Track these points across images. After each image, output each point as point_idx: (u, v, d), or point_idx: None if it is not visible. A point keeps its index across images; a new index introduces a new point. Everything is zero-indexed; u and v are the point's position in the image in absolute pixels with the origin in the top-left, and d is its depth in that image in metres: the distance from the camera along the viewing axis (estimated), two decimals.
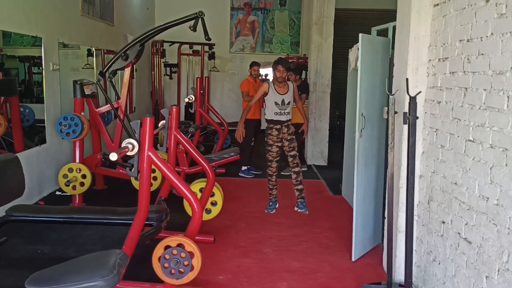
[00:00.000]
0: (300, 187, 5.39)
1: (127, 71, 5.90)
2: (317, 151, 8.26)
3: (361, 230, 4.08)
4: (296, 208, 5.47)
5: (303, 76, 9.08)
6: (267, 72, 10.43)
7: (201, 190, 4.53)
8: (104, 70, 5.75)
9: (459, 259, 2.77)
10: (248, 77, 7.50)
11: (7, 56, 6.24)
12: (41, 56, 5.93)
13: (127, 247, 3.10)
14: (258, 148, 7.66)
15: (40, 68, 7.26)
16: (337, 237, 4.60)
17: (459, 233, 2.79)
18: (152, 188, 4.64)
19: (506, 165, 2.29)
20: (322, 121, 8.18)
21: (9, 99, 5.36)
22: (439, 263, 3.07)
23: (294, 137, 5.39)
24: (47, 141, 5.82)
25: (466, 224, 2.71)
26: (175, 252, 3.07)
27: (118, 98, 6.03)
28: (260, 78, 8.34)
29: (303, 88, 7.46)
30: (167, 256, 3.08)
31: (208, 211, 4.64)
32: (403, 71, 3.42)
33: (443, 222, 3.03)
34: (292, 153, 5.29)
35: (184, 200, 4.64)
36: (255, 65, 7.53)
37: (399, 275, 3.43)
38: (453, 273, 2.85)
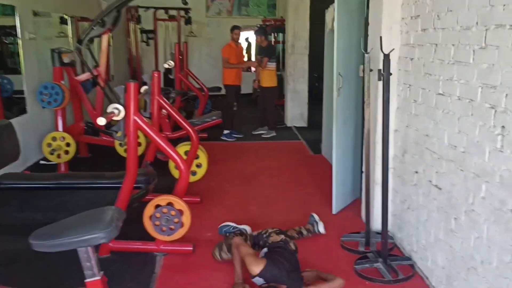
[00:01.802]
0: None
1: (105, 38, 5.86)
2: (296, 113, 8.41)
3: (341, 185, 4.28)
4: None
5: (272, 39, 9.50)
6: (247, 36, 10.50)
7: (186, 153, 4.65)
8: (82, 38, 5.71)
9: (431, 205, 2.99)
10: (230, 41, 7.51)
11: None
12: (13, 26, 5.83)
13: (119, 206, 3.22)
14: (239, 112, 7.78)
15: (12, 38, 7.13)
16: (318, 193, 4.81)
17: (430, 181, 3.00)
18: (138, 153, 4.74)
19: (472, 114, 2.47)
20: (301, 83, 8.31)
21: None
22: (413, 210, 3.30)
23: None
24: (28, 111, 5.82)
25: (436, 172, 2.91)
26: (165, 210, 3.23)
27: (97, 65, 6.01)
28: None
29: (266, 51, 7.60)
30: (157, 215, 3.23)
31: (194, 173, 4.78)
32: (377, 29, 3.54)
33: (416, 172, 3.23)
34: None
35: (170, 163, 4.80)
36: (236, 28, 7.49)
37: (376, 224, 3.65)
38: (425, 218, 3.08)
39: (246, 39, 10.59)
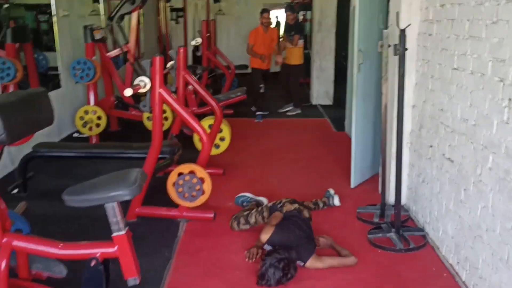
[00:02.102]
0: None
1: (135, 15, 6.07)
2: (322, 91, 8.46)
3: (359, 160, 4.38)
4: None
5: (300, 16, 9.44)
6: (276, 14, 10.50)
7: (209, 126, 4.83)
8: (112, 15, 5.92)
9: (443, 177, 3.07)
10: (259, 26, 7.31)
11: (13, 5, 6.40)
12: (48, 4, 6.08)
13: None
14: (266, 91, 7.76)
15: (47, 16, 7.39)
16: (338, 169, 4.91)
17: (443, 154, 3.07)
18: (164, 128, 4.95)
19: (482, 88, 2.53)
20: (327, 61, 8.32)
21: (23, 45, 5.57)
22: (427, 183, 3.38)
23: None
24: (62, 86, 6.10)
25: (449, 145, 2.98)
26: (187, 178, 3.42)
27: (127, 42, 6.23)
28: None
29: (296, 28, 7.55)
30: (180, 182, 3.42)
31: (217, 146, 4.96)
32: (398, 5, 3.58)
33: (431, 146, 3.30)
34: None
35: (194, 136, 4.99)
36: (264, 12, 7.21)
37: (392, 197, 3.74)
38: (438, 190, 3.17)
39: (276, 17, 10.59)
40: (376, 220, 3.64)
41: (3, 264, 2.20)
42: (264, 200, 3.86)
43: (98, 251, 2.23)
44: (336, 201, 3.92)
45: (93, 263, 2.21)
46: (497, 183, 2.37)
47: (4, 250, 2.22)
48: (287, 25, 7.82)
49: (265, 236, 3.06)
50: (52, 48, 6.98)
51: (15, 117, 2.03)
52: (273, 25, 7.83)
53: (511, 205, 2.23)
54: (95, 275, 2.21)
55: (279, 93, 8.59)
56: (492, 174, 2.43)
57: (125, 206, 2.75)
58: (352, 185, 4.36)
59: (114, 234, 2.22)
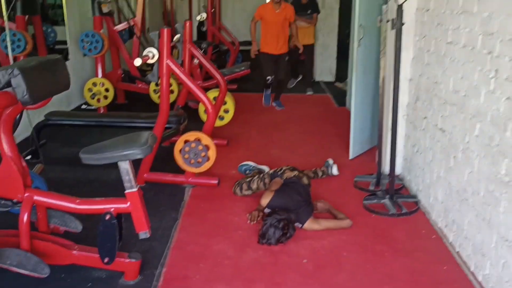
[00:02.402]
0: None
1: None
2: (325, 68, 8.57)
3: (358, 132, 4.54)
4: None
5: None
6: None
7: (214, 99, 4.99)
8: None
9: (435, 147, 3.25)
10: (268, 1, 6.20)
11: None
12: None
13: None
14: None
15: None
16: (338, 141, 5.09)
17: (436, 124, 3.24)
18: (170, 101, 5.10)
19: (473, 61, 2.68)
20: (330, 38, 8.41)
21: (32, 18, 5.70)
22: (421, 153, 3.56)
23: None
24: (70, 59, 6.25)
25: (441, 116, 3.15)
26: (193, 145, 3.60)
27: (134, 16, 6.35)
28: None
29: (312, 7, 7.34)
30: (186, 149, 3.61)
31: (221, 118, 5.13)
32: None
33: (425, 118, 3.47)
34: None
35: (200, 107, 5.16)
36: None
37: (387, 167, 3.90)
38: (431, 159, 3.34)
39: None
40: (372, 188, 3.83)
41: (25, 216, 2.41)
42: (266, 168, 4.05)
43: (112, 206, 2.43)
44: (335, 170, 4.10)
45: (107, 217, 2.41)
46: (482, 149, 2.54)
47: (26, 204, 2.42)
48: (298, 3, 7.12)
49: (265, 201, 3.26)
50: (58, 23, 7.09)
51: (36, 79, 2.21)
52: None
53: (494, 168, 2.41)
54: (110, 228, 2.42)
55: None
56: (478, 141, 2.60)
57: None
58: (351, 156, 4.54)
59: (126, 191, 2.42)
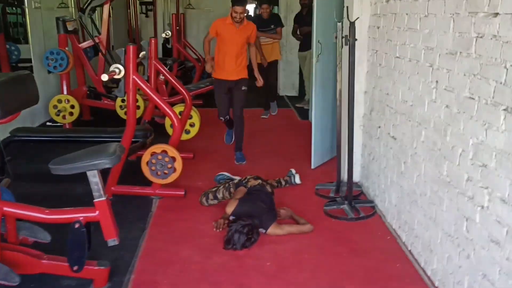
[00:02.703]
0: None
1: (106, 8, 6.29)
2: (288, 83, 8.84)
3: (319, 143, 4.76)
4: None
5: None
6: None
7: (180, 113, 5.11)
8: (84, 7, 6.12)
9: (388, 153, 3.48)
10: (228, 17, 4.83)
11: None
12: None
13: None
14: None
15: (14, 8, 7.46)
16: (301, 152, 5.29)
17: (388, 133, 3.48)
18: (136, 116, 5.20)
19: (418, 73, 2.93)
20: (293, 54, 8.67)
21: None
22: (376, 160, 3.79)
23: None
24: (35, 76, 6.24)
25: (393, 125, 3.39)
26: (160, 157, 3.72)
27: (99, 34, 6.44)
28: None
29: (276, 21, 7.04)
30: (153, 161, 3.72)
31: (188, 132, 5.26)
32: (351, 1, 3.96)
33: (379, 127, 3.71)
34: None
35: (166, 121, 5.28)
36: (237, 4, 4.68)
37: (347, 175, 4.13)
38: (384, 165, 3.57)
39: (247, 12, 10.83)
40: (332, 195, 4.03)
41: None
42: (237, 178, 4.21)
43: (81, 215, 2.52)
44: (297, 179, 4.29)
45: (76, 225, 2.50)
46: (427, 154, 2.78)
47: None
48: (260, 19, 6.92)
49: (230, 209, 3.40)
50: (19, 41, 7.09)
51: (6, 94, 2.30)
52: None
53: (437, 170, 2.64)
54: (79, 236, 2.51)
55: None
56: (424, 146, 2.83)
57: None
58: (313, 166, 4.74)
59: (95, 200, 2.52)
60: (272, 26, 6.93)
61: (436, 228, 2.67)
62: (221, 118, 5.13)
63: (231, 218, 3.40)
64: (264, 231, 3.30)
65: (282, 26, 7.05)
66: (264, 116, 7.12)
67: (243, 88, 4.92)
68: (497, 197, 2.05)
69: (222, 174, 4.31)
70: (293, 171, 4.37)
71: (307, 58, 7.29)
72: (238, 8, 4.66)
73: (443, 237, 2.59)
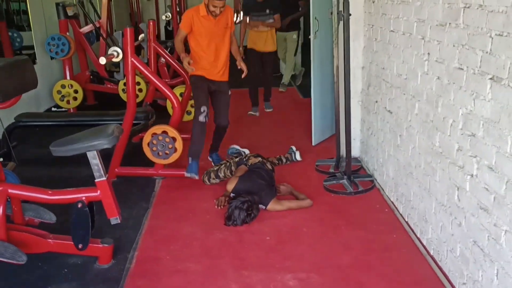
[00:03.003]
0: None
1: None
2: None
3: (319, 120, 4.80)
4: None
5: None
6: None
7: (181, 94, 5.17)
8: None
9: (385, 127, 3.52)
10: (201, 5, 3.87)
11: None
12: None
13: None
14: None
15: None
16: (302, 130, 5.33)
17: (385, 107, 3.51)
18: (139, 99, 5.25)
19: (410, 46, 2.94)
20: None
21: None
22: (374, 135, 3.83)
23: None
24: (38, 62, 6.32)
25: (389, 99, 3.41)
26: (160, 138, 3.78)
27: (99, 18, 6.46)
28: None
29: (273, 4, 5.92)
30: (154, 141, 3.79)
31: (189, 113, 5.31)
32: None
33: (376, 102, 3.73)
34: None
35: (168, 104, 5.33)
36: None
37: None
38: (382, 139, 3.61)
39: None
40: (331, 170, 4.08)
41: (1, 208, 2.56)
42: (247, 151, 4.39)
43: (83, 195, 2.61)
44: (298, 156, 4.34)
45: (79, 205, 2.58)
46: (421, 126, 2.81)
47: (1, 196, 2.57)
48: (253, 1, 5.85)
49: (230, 186, 3.48)
50: (23, 28, 7.13)
51: (5, 79, 2.36)
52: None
53: (430, 141, 2.68)
54: (82, 215, 2.59)
55: None
56: (417, 119, 2.87)
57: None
58: (313, 143, 4.79)
59: (96, 180, 2.59)
60: (268, 11, 5.80)
61: (430, 198, 2.72)
62: (203, 108, 3.86)
63: (231, 195, 3.47)
64: (264, 207, 3.37)
65: (280, 12, 5.96)
66: (253, 113, 6.02)
67: (229, 93, 4.19)
68: (485, 165, 2.10)
69: (233, 147, 4.46)
70: (294, 148, 4.42)
71: (287, 40, 7.12)
72: (218, 2, 3.72)
73: (437, 207, 2.64)
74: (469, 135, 2.23)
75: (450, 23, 2.37)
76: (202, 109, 3.84)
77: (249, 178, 3.50)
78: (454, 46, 2.33)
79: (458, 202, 2.37)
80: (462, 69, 2.26)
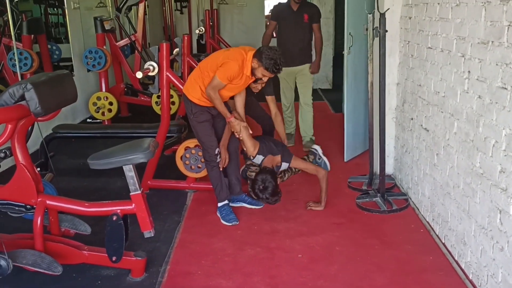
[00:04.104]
0: None
1: (141, 6, 6.44)
2: (322, 76, 8.76)
3: (351, 136, 4.74)
4: None
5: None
6: None
7: None
8: (120, 6, 6.30)
9: (421, 145, 3.44)
10: (244, 62, 3.30)
11: None
12: None
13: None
14: None
15: (55, 9, 7.74)
16: (334, 145, 5.27)
17: (421, 125, 3.44)
18: (172, 112, 5.31)
19: (450, 63, 2.88)
20: (326, 47, 8.60)
21: (38, 37, 5.95)
22: (409, 153, 3.75)
23: None
24: (75, 74, 6.49)
25: (425, 116, 3.34)
26: (193, 151, 3.81)
27: (135, 32, 6.60)
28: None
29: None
30: (187, 155, 3.82)
31: None
32: None
33: (412, 119, 3.67)
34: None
35: None
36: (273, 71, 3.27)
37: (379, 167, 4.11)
38: (417, 157, 3.53)
39: None
40: (364, 187, 4.01)
41: (39, 219, 2.62)
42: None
43: (118, 208, 2.64)
44: (319, 150, 4.41)
45: (114, 218, 2.61)
46: (460, 145, 2.74)
47: (40, 208, 2.63)
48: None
49: (254, 151, 3.58)
50: (61, 40, 7.36)
51: (47, 93, 2.42)
52: None
53: (470, 162, 2.60)
54: (116, 228, 2.62)
55: None
56: (456, 138, 2.79)
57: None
58: (346, 159, 4.73)
59: (131, 193, 2.62)
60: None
61: (470, 221, 2.64)
62: (217, 150, 3.48)
63: (257, 158, 3.66)
64: (287, 164, 3.61)
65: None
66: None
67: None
68: None
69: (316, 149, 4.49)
70: (315, 146, 4.45)
71: (299, 77, 5.09)
72: (269, 75, 3.32)
73: (477, 230, 2.55)
74: None
75: (493, 41, 2.31)
76: (217, 151, 3.47)
77: (264, 140, 3.75)
78: (497, 64, 2.27)
79: (501, 226, 2.29)
80: (506, 88, 2.20)
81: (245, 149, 3.61)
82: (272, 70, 3.23)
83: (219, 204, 3.59)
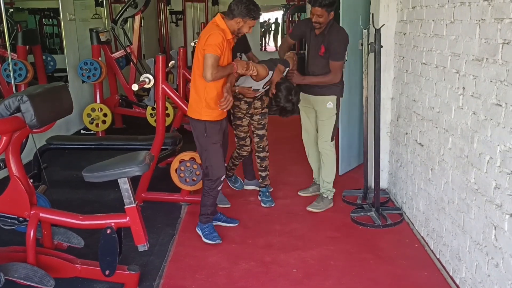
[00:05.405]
0: (264, 174, 4.19)
1: (137, 18, 6.46)
2: None
3: (346, 149, 4.76)
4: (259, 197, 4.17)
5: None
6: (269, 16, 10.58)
7: None
8: (116, 18, 6.32)
9: (415, 160, 3.46)
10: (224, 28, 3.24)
11: (16, 9, 6.77)
12: (51, 8, 6.46)
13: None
14: None
15: (50, 20, 7.74)
16: None
17: (416, 139, 3.46)
18: (166, 124, 5.30)
19: (444, 79, 2.91)
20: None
21: (33, 48, 5.94)
22: (403, 167, 3.76)
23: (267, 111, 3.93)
24: (69, 86, 6.47)
25: (420, 131, 3.36)
26: (188, 164, 3.79)
27: (130, 44, 6.62)
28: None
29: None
30: (182, 168, 3.81)
31: None
32: (376, 7, 3.96)
33: (406, 133, 3.69)
34: (261, 132, 4.03)
35: None
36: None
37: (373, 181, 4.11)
38: (412, 172, 3.55)
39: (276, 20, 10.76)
40: (359, 201, 4.01)
41: (32, 232, 2.59)
42: None
43: (112, 221, 2.61)
44: None
45: (108, 231, 2.59)
46: (455, 161, 2.75)
47: (33, 220, 2.60)
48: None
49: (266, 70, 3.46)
50: (55, 51, 7.35)
51: (43, 105, 2.41)
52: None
53: (465, 177, 2.62)
54: (110, 241, 2.59)
55: None
56: (451, 153, 2.81)
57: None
58: (340, 172, 4.73)
59: (126, 206, 2.60)
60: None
61: (464, 236, 2.64)
62: (222, 177, 3.37)
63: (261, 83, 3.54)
64: (287, 68, 3.68)
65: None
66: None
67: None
68: None
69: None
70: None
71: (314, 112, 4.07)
72: (253, 22, 3.28)
73: (472, 245, 2.56)
74: (508, 173, 2.17)
75: (487, 59, 2.33)
76: (222, 179, 3.35)
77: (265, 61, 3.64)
78: (491, 81, 2.29)
79: (495, 242, 2.29)
80: (500, 105, 2.22)
81: (255, 79, 3.46)
82: (251, 13, 3.15)
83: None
